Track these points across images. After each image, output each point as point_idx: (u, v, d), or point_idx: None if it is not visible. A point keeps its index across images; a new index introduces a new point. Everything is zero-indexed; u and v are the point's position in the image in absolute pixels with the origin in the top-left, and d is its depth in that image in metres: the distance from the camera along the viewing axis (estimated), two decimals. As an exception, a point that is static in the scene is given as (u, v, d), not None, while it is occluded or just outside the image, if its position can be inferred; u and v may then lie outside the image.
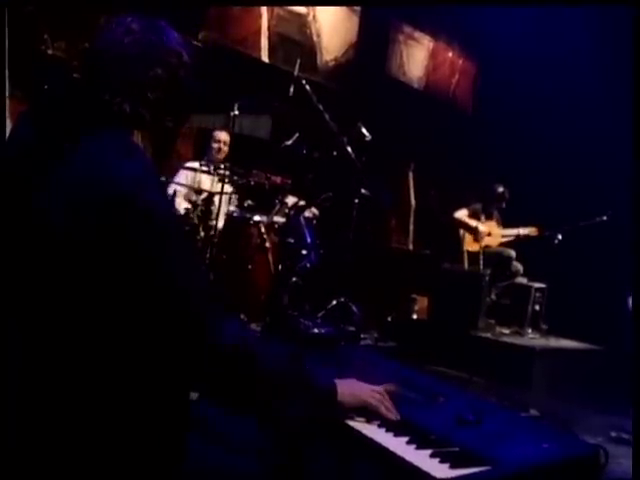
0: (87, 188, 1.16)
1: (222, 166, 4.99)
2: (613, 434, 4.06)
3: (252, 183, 5.08)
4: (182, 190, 5.31)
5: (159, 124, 1.33)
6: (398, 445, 1.29)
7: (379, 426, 1.38)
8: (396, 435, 1.33)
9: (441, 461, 1.21)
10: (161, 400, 1.22)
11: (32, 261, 1.18)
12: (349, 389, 1.39)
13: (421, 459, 1.22)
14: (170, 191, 5.09)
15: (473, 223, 6.64)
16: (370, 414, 1.40)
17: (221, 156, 5.46)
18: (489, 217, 6.79)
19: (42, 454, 1.15)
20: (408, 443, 1.30)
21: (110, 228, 1.14)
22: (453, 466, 1.19)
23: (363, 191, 4.99)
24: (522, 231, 6.74)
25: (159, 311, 1.16)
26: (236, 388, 1.24)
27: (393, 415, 1.40)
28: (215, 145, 5.49)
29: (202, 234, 4.88)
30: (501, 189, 6.73)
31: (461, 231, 6.77)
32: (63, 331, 1.16)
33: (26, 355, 1.18)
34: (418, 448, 1.27)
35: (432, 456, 1.23)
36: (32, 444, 1.15)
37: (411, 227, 8.06)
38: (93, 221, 1.14)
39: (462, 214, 6.69)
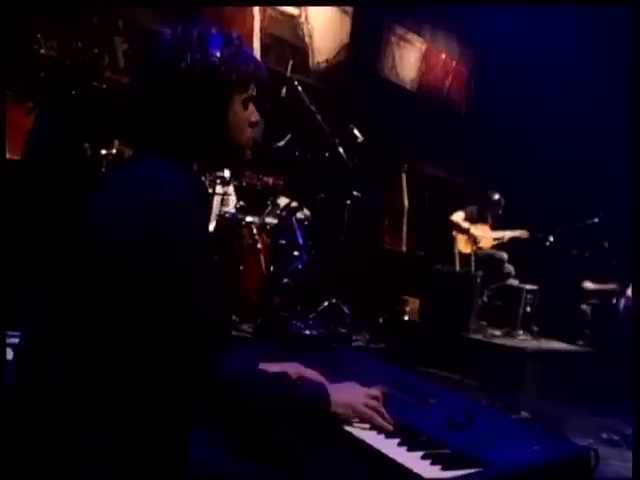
0: (131, 198, 1.20)
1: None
2: (604, 435, 4.08)
3: (244, 184, 5.07)
4: None
5: None
6: (389, 447, 1.28)
7: (370, 428, 1.37)
8: (387, 437, 1.33)
9: (432, 463, 1.21)
10: (155, 421, 1.21)
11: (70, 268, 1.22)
12: (342, 398, 1.35)
13: (412, 461, 1.22)
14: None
15: (466, 225, 6.66)
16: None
17: None
18: (484, 221, 6.80)
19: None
20: (399, 445, 1.29)
21: (144, 239, 1.16)
22: (445, 468, 1.19)
23: (355, 193, 4.99)
24: (512, 234, 6.75)
25: (163, 328, 1.17)
26: (224, 421, 1.25)
27: (388, 424, 1.36)
28: None
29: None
30: (497, 196, 6.75)
31: (454, 232, 6.78)
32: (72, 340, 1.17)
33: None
34: (409, 450, 1.27)
35: (424, 458, 1.23)
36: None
37: (404, 228, 8.06)
38: (130, 230, 1.17)
39: (458, 217, 6.71)
